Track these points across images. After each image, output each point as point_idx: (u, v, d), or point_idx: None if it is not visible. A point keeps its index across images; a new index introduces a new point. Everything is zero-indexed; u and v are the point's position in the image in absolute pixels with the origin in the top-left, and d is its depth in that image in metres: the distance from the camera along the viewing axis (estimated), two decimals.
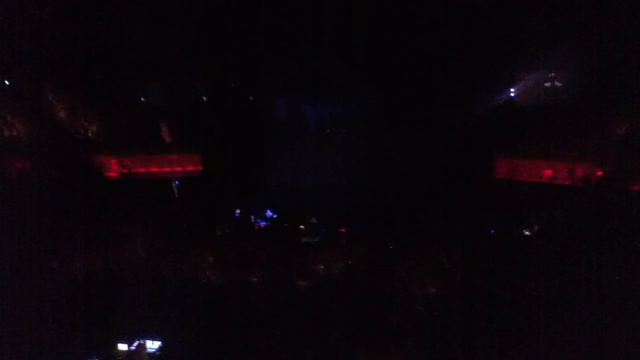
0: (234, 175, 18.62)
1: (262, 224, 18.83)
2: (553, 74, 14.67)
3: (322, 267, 16.85)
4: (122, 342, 15.02)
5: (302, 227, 18.29)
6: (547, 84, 14.75)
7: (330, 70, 16.99)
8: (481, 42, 15.03)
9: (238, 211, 19.08)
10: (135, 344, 15.06)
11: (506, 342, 13.67)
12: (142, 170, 18.70)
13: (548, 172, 15.83)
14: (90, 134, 17.87)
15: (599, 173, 15.01)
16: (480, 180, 16.42)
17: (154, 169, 18.80)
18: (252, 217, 18.92)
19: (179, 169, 18.87)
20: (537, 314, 13.97)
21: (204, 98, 19.09)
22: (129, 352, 14.91)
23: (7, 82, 16.81)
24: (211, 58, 17.86)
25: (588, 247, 14.08)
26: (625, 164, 14.54)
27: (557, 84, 14.63)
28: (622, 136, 14.52)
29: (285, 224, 18.48)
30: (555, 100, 14.93)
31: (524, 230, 15.56)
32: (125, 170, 18.40)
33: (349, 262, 16.65)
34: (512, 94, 15.59)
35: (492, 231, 16.33)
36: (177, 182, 18.99)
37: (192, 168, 18.79)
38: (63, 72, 16.88)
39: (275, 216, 18.78)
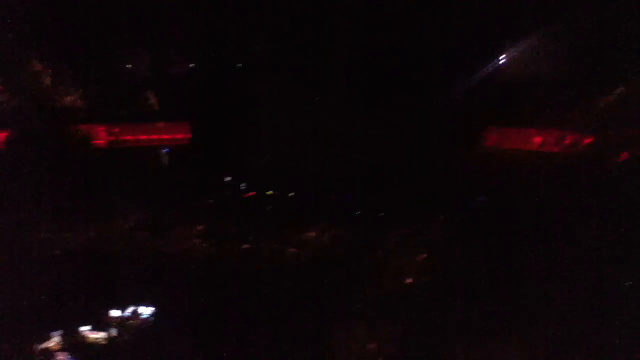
0: (224, 143, 18.49)
1: (253, 192, 18.78)
2: (543, 40, 14.48)
3: (312, 235, 17.05)
4: (115, 309, 15.14)
5: (291, 194, 18.32)
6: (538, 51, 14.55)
7: (323, 38, 16.70)
8: (470, 9, 14.81)
9: (228, 179, 19.00)
10: (129, 310, 15.21)
11: (497, 316, 13.91)
12: (130, 138, 18.55)
13: (537, 140, 15.87)
14: (76, 102, 17.63)
15: (587, 140, 15.10)
16: (469, 149, 16.44)
17: (142, 137, 18.64)
18: (243, 184, 18.86)
19: (167, 136, 18.72)
20: (528, 285, 14.21)
21: (191, 65, 18.76)
22: (122, 318, 15.06)
23: None
24: (198, 23, 17.49)
25: (578, 214, 14.33)
26: (614, 132, 14.64)
27: (548, 50, 14.45)
28: (613, 103, 14.53)
29: (274, 192, 18.49)
30: (545, 67, 14.78)
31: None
32: (113, 138, 18.24)
33: (338, 231, 16.87)
34: (501, 62, 15.42)
35: (482, 199, 16.43)
36: (166, 150, 18.85)
37: (181, 136, 18.66)
38: (47, 38, 16.53)
39: (266, 184, 18.69)
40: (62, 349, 13.84)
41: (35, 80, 17.00)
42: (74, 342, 14.10)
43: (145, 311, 15.18)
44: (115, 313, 14.97)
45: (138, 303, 15.26)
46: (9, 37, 15.68)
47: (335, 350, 13.62)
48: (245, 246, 16.88)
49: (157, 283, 15.58)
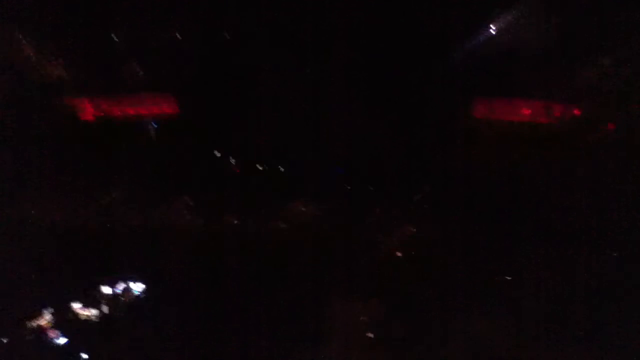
0: (213, 116, 18.30)
1: (241, 166, 18.68)
2: (533, 11, 14.20)
3: (302, 209, 17.08)
4: (105, 285, 15.26)
5: (281, 168, 18.25)
6: (529, 21, 14.29)
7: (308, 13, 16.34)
8: None
9: (217, 153, 18.88)
10: (120, 286, 15.33)
11: (480, 292, 14.08)
12: (118, 112, 18.31)
13: (526, 111, 15.72)
14: (62, 76, 17.35)
15: (576, 111, 14.99)
16: (459, 120, 16.30)
17: (130, 111, 18.40)
18: (232, 159, 18.75)
19: (155, 110, 18.47)
20: (518, 258, 14.34)
21: (178, 35, 18.39)
22: (113, 294, 15.19)
23: None
24: None
25: (565, 185, 14.36)
26: (603, 103, 14.53)
27: (537, 21, 14.20)
28: (601, 74, 14.39)
29: (262, 166, 18.41)
30: (535, 38, 14.55)
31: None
32: (100, 113, 18.02)
33: (328, 205, 16.89)
34: (492, 31, 15.12)
35: (468, 172, 16.35)
36: (153, 124, 18.65)
37: (169, 110, 18.42)
38: (30, 12, 16.16)
39: (255, 158, 18.59)
40: (53, 326, 13.96)
41: (17, 53, 16.67)
42: (65, 319, 14.20)
43: (137, 287, 15.29)
44: (106, 289, 15.07)
45: (129, 279, 15.35)
46: None
47: (323, 324, 13.81)
48: (234, 221, 16.91)
49: (147, 258, 15.70)
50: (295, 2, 15.99)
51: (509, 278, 13.92)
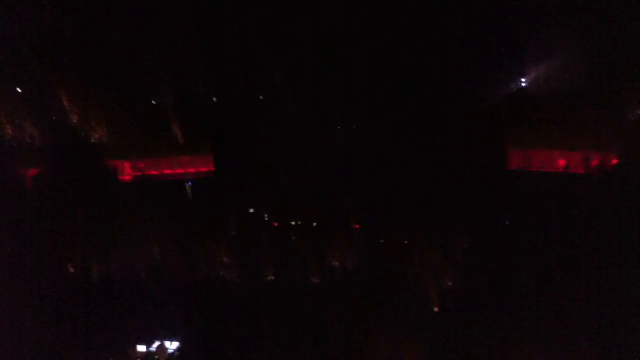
0: (246, 175, 18.60)
1: (276, 222, 18.80)
2: (564, 61, 14.36)
3: (336, 264, 16.92)
4: (141, 344, 15.17)
5: (314, 224, 18.24)
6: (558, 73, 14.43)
7: (335, 64, 16.87)
8: (490, 32, 14.80)
9: (252, 210, 19.06)
10: (154, 345, 15.22)
11: (521, 336, 13.61)
12: (155, 172, 18.86)
13: (562, 162, 15.57)
14: (102, 138, 18.04)
15: (614, 161, 14.75)
16: (493, 172, 16.18)
17: (167, 171, 18.94)
18: (266, 215, 18.89)
19: (191, 170, 18.97)
20: (554, 308, 13.87)
21: (214, 98, 19.09)
22: (147, 353, 15.07)
23: (19, 90, 17.16)
24: (219, 58, 17.87)
25: (604, 236, 13.96)
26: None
27: (568, 71, 14.31)
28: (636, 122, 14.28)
29: (297, 222, 18.45)
30: (567, 88, 14.61)
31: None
32: (139, 173, 18.58)
33: (364, 260, 16.75)
34: (523, 84, 15.30)
35: (507, 223, 16.13)
36: (190, 183, 19.08)
37: (204, 169, 18.89)
38: (73, 77, 17.11)
39: (286, 214, 18.70)
40: None
41: (63, 119, 17.48)
42: None
43: (171, 346, 15.15)
44: (141, 348, 14.98)
45: (164, 336, 15.26)
46: (37, 78, 16.33)
47: None
48: (269, 277, 16.85)
49: (182, 314, 15.62)
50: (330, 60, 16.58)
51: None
